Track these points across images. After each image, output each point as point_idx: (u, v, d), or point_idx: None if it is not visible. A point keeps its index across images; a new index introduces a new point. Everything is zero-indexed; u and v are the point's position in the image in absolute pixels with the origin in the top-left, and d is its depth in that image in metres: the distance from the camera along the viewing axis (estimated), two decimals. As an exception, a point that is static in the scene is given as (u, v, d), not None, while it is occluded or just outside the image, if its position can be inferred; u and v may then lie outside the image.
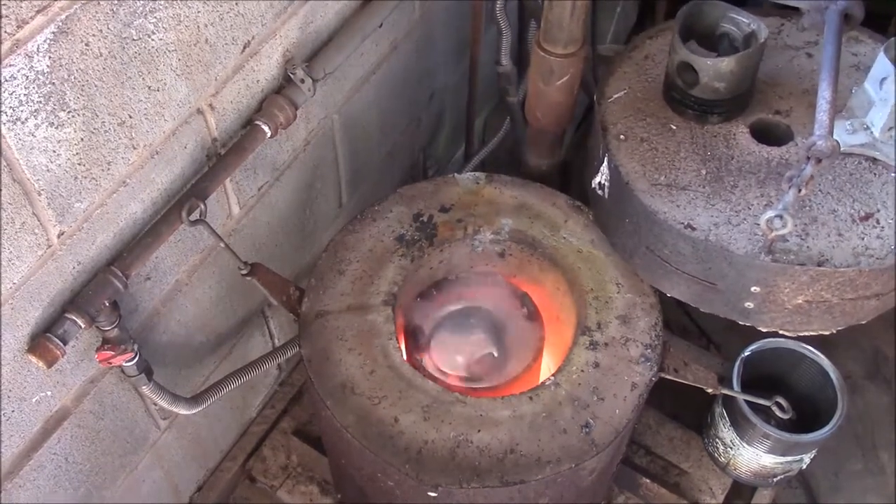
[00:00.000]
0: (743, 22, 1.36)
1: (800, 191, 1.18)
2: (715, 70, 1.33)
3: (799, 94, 1.52)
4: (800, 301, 1.31)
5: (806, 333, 1.42)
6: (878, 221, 1.31)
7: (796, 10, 1.45)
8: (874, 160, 1.35)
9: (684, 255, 1.34)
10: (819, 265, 1.27)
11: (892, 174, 1.34)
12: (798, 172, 1.18)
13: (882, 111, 1.29)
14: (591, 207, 1.63)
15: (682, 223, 1.32)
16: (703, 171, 1.37)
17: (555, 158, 1.98)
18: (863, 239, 1.29)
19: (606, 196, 1.47)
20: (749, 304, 1.34)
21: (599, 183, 1.48)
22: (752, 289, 1.31)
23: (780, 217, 1.17)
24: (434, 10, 2.07)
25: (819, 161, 1.18)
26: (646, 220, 1.35)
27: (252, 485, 2.11)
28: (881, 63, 1.26)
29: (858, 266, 1.26)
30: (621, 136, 1.42)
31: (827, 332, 1.40)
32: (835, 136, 1.35)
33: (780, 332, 1.41)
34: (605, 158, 1.42)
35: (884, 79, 1.26)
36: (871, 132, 1.33)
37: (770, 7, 1.58)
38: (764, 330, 1.40)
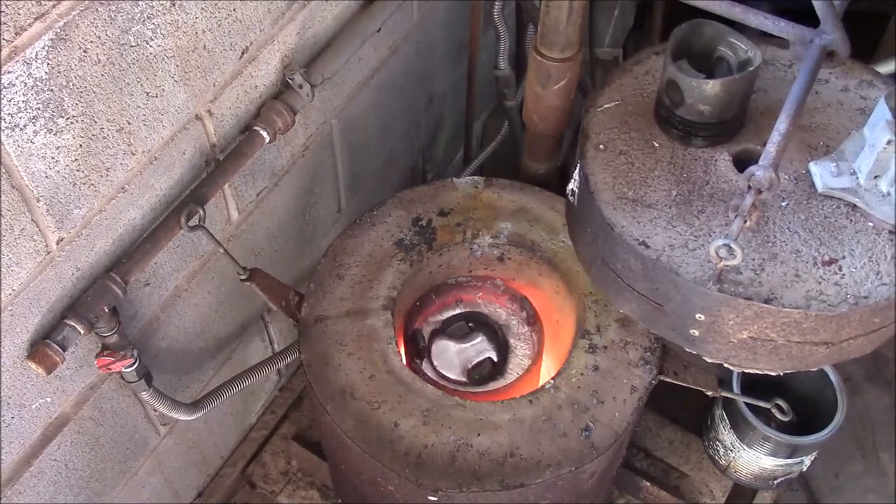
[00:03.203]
0: (740, 48, 1.34)
1: (745, 221, 1.16)
2: (699, 91, 1.31)
3: (793, 129, 1.48)
4: (744, 336, 1.28)
5: (752, 371, 1.39)
6: (840, 268, 1.26)
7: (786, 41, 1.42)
8: (853, 206, 1.30)
9: (635, 273, 1.31)
10: (766, 302, 1.22)
11: (869, 223, 1.29)
12: (740, 201, 1.16)
13: (869, 157, 1.25)
14: (566, 213, 1.62)
15: (638, 240, 1.29)
16: (674, 192, 1.35)
17: (553, 162, 1.98)
18: (819, 283, 1.24)
19: (575, 203, 1.46)
20: (694, 332, 1.31)
21: (571, 189, 1.47)
22: (697, 316, 1.28)
23: (728, 247, 1.14)
24: (432, 14, 2.07)
25: (759, 192, 1.15)
26: (603, 232, 1.33)
27: (252, 490, 2.10)
28: (880, 109, 1.23)
29: (807, 309, 1.22)
30: (601, 146, 1.40)
31: (774, 373, 1.37)
32: (818, 177, 1.32)
33: (726, 365, 1.38)
34: (579, 165, 1.41)
35: (877, 125, 1.22)
36: (857, 177, 1.30)
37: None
38: (709, 360, 1.37)
